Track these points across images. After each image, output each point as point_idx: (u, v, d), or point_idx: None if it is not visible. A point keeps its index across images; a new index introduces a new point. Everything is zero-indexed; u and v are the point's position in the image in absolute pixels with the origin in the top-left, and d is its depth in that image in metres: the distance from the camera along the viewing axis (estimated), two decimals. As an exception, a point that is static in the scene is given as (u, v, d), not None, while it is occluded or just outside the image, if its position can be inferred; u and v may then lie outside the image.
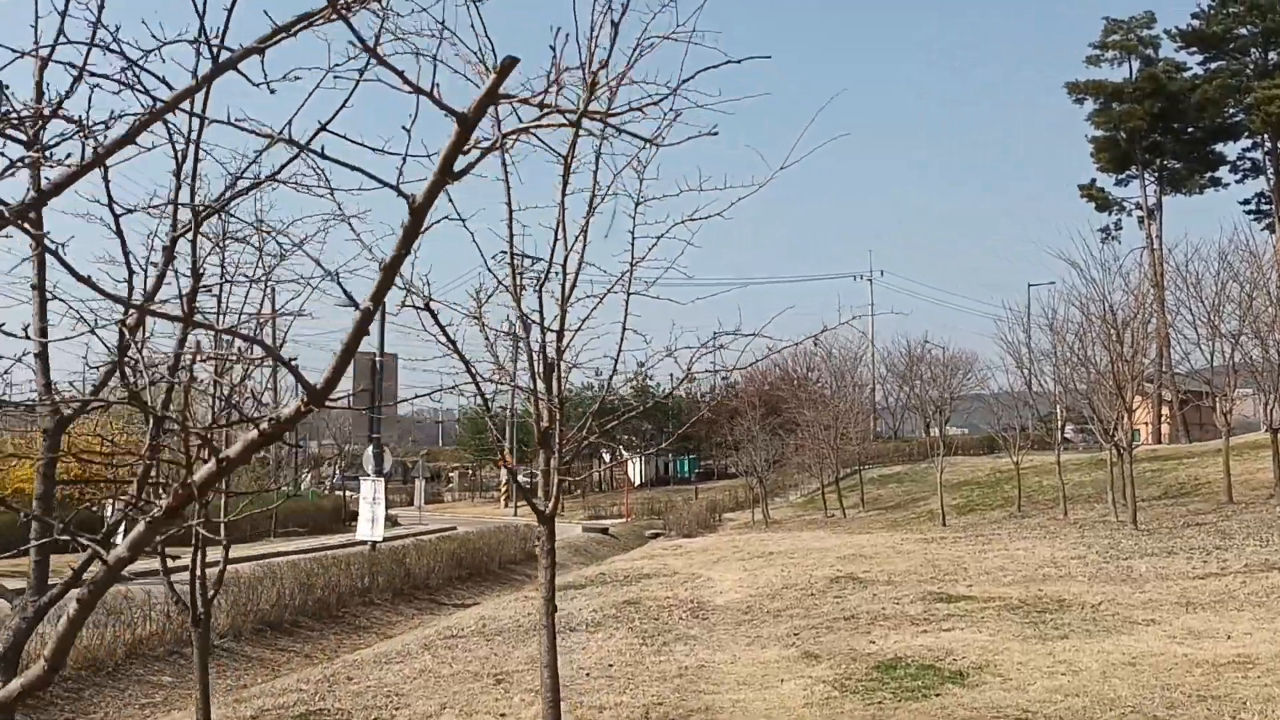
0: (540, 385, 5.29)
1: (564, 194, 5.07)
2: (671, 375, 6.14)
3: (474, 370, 4.99)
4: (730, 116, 4.80)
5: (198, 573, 6.47)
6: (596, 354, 5.46)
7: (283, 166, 3.38)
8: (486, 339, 5.75)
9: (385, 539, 26.49)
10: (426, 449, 75.31)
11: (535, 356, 5.28)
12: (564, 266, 5.16)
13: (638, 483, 64.04)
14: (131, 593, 14.75)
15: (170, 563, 6.71)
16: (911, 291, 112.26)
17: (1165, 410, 52.60)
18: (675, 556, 23.00)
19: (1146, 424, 49.70)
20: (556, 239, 5.14)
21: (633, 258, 5.28)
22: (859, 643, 10.70)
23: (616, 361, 5.35)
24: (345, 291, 2.36)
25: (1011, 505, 30.10)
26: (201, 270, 5.24)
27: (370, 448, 22.13)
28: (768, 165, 5.25)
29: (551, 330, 5.20)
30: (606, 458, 67.45)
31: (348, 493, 46.87)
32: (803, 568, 17.99)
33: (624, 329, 5.24)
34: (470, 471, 74.69)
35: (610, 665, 10.36)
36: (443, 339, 4.83)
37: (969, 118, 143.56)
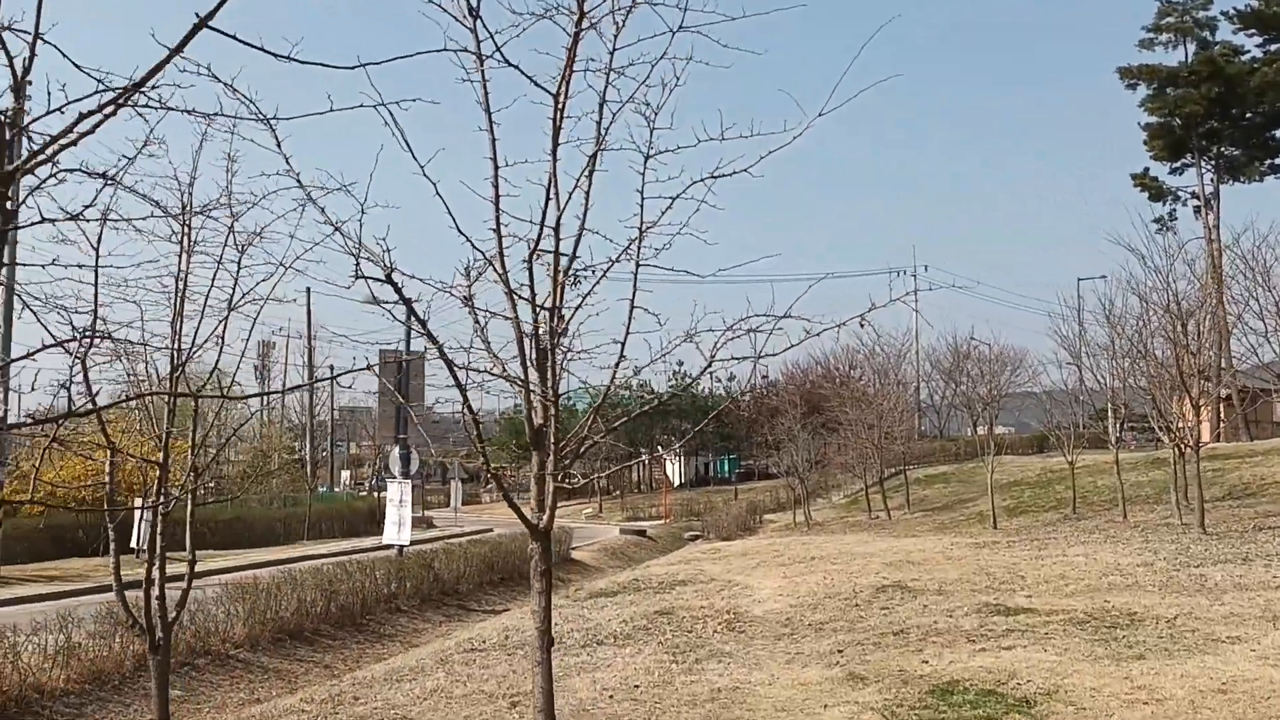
0: (534, 376, 4.42)
1: (555, 141, 4.21)
2: (668, 370, 5.24)
3: (449, 357, 4.14)
4: (758, 64, 3.88)
5: (154, 592, 5.65)
6: (602, 338, 4.58)
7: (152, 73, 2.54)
8: (477, 322, 4.89)
9: (418, 542, 25.86)
10: (465, 450, 74.92)
11: (526, 341, 4.41)
12: (556, 231, 4.29)
13: (677, 483, 63.18)
14: (142, 603, 14.14)
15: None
16: (958, 287, 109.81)
17: (1223, 407, 50.74)
18: (713, 561, 22.07)
19: (1206, 421, 47.89)
20: (548, 198, 4.27)
21: (641, 222, 4.39)
22: (910, 662, 9.72)
23: (624, 346, 4.47)
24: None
25: (1065, 507, 28.78)
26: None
27: (396, 449, 21.43)
28: (803, 112, 4.35)
29: (544, 309, 4.32)
30: (645, 458, 66.73)
31: (383, 494, 46.43)
32: (846, 574, 16.99)
33: (632, 306, 4.36)
34: (508, 472, 74.20)
35: (636, 686, 9.48)
36: (412, 321, 3.97)
37: (1015, 107, 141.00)
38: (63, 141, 2.56)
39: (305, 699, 10.20)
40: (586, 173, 4.49)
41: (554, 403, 4.39)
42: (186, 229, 5.77)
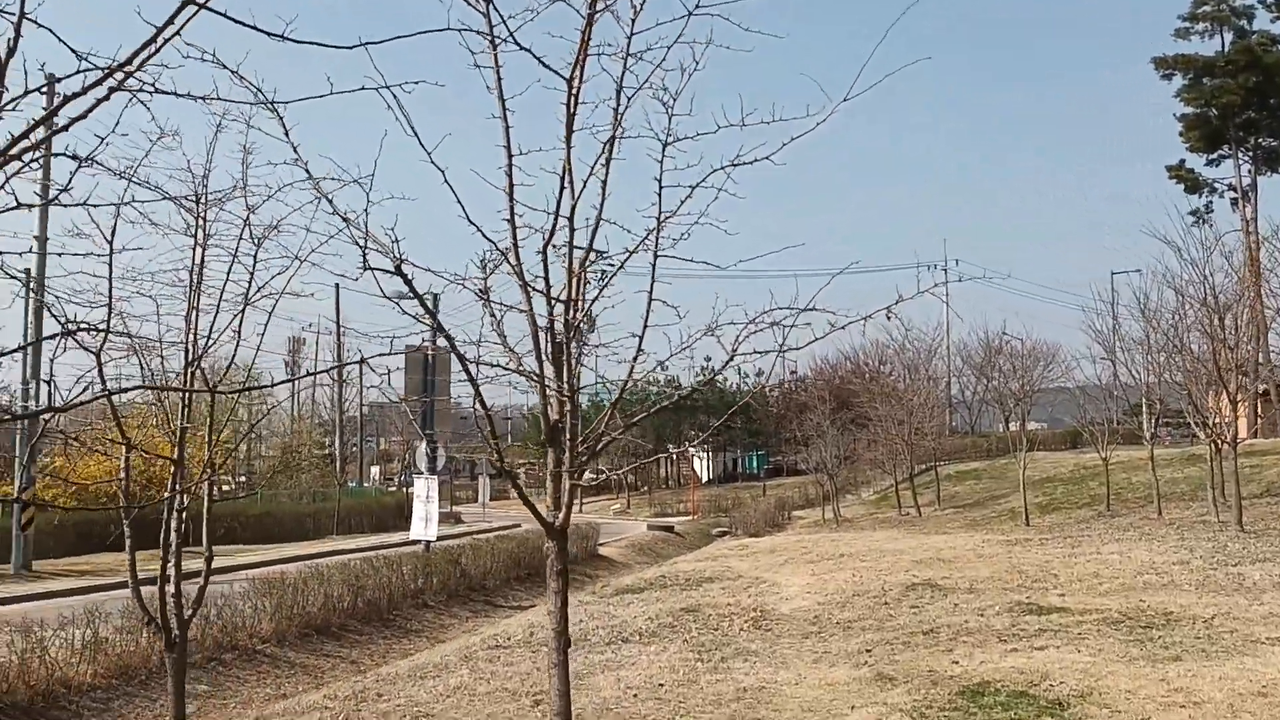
0: (550, 370, 4.30)
1: (570, 127, 4.08)
2: (693, 366, 5.08)
3: (460, 351, 4.03)
4: (781, 47, 3.74)
5: (170, 589, 5.59)
6: (620, 332, 4.45)
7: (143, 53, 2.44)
8: (493, 316, 4.78)
9: (445, 538, 25.86)
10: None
11: (541, 335, 4.29)
12: (571, 221, 4.16)
13: (705, 479, 63.00)
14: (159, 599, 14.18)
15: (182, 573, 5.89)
16: (988, 281, 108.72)
17: (1260, 402, 49.87)
18: (740, 557, 21.90)
19: (1243, 416, 47.08)
20: (563, 187, 4.15)
21: (659, 212, 4.26)
22: (940, 663, 9.54)
23: (642, 339, 4.33)
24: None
25: (1099, 503, 28.36)
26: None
27: (423, 445, 21.42)
28: (827, 97, 4.20)
29: (559, 301, 4.20)
30: (672, 453, 66.54)
31: (411, 490, 46.60)
32: (876, 572, 16.77)
33: (650, 298, 4.22)
34: (536, 468, 74.29)
35: (661, 685, 9.36)
36: (420, 311, 3.86)
37: (1047, 97, 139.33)
38: (55, 125, 2.46)
39: (329, 695, 10.17)
40: (603, 160, 4.36)
41: (570, 398, 4.28)
42: (201, 221, 5.70)
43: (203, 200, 5.66)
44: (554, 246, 4.26)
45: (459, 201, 4.10)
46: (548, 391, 4.32)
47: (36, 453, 21.89)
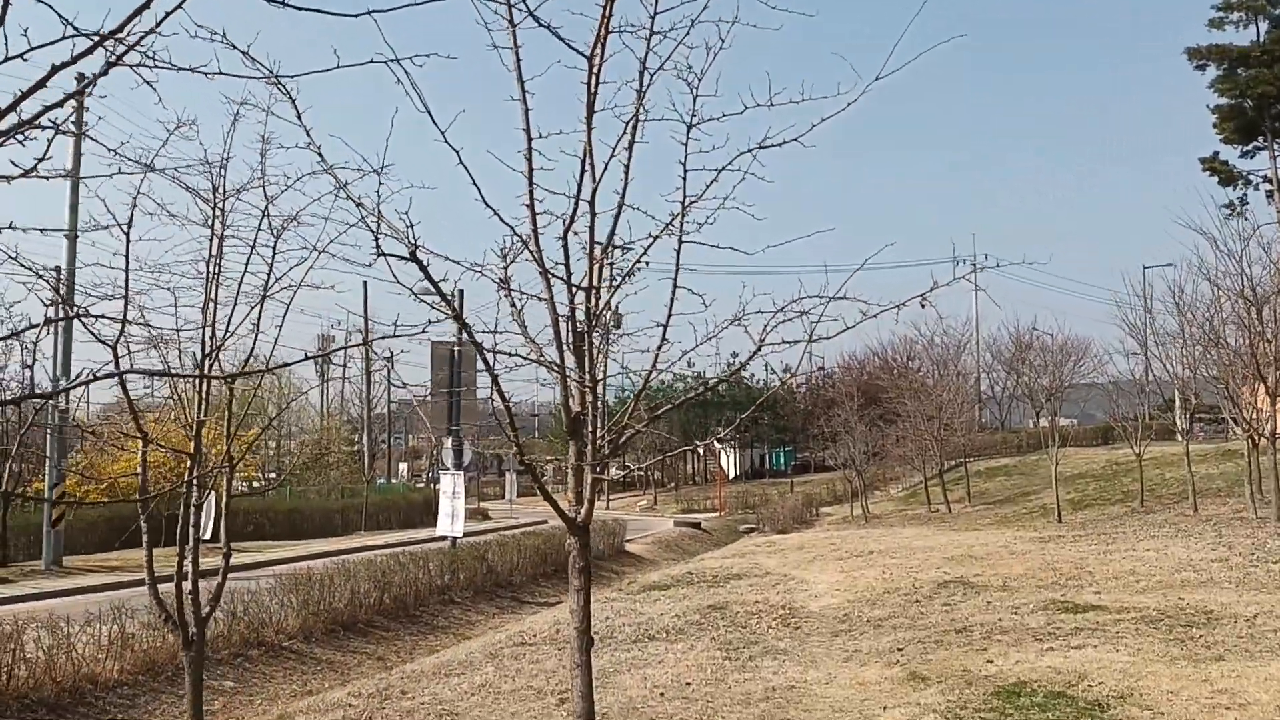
0: (571, 360, 4.15)
1: (590, 108, 3.93)
2: (722, 361, 4.94)
3: (478, 341, 3.88)
4: (808, 27, 3.59)
5: (186, 586, 5.49)
6: (644, 321, 4.29)
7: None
8: (513, 305, 4.63)
9: (473, 533, 25.81)
10: (524, 440, 75.09)
11: (562, 323, 4.14)
12: (592, 205, 4.01)
13: (732, 476, 62.73)
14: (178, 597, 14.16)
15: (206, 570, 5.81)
16: (1018, 276, 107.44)
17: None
18: (768, 554, 21.71)
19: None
20: (584, 170, 3.99)
21: (684, 196, 4.09)
22: (974, 662, 9.33)
23: (665, 329, 4.17)
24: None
25: (1132, 500, 27.92)
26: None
27: (449, 441, 21.36)
28: (857, 75, 4.03)
29: (580, 289, 4.05)
30: (699, 448, 66.34)
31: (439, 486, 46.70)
32: (906, 569, 16.54)
33: (674, 286, 4.07)
34: (563, 464, 74.34)
35: (687, 684, 9.21)
36: (439, 301, 3.72)
37: (1075, 87, 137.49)
38: (46, 99, 2.33)
39: (353, 693, 10.08)
40: (625, 143, 4.21)
41: (592, 389, 4.13)
42: (218, 212, 5.60)
43: (220, 190, 5.56)
44: (574, 233, 4.11)
45: (475, 184, 3.93)
46: (569, 382, 4.18)
47: (67, 450, 22.01)
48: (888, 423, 39.72)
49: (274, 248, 5.87)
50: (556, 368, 4.18)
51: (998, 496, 36.51)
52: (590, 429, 4.19)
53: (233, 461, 6.29)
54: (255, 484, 35.64)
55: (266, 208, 5.73)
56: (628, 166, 4.21)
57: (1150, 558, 15.91)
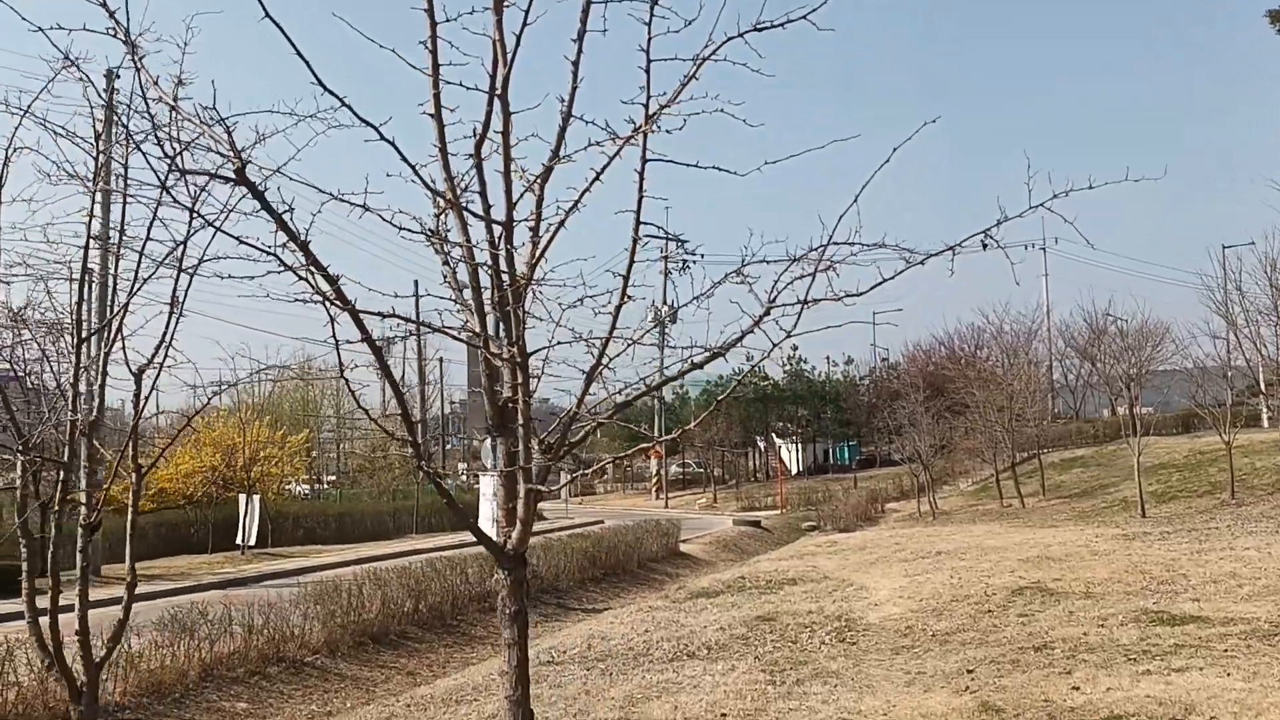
0: (491, 326, 3.00)
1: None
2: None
3: (335, 294, 2.75)
4: None
5: (74, 627, 4.45)
6: (595, 270, 3.13)
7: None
8: (446, 263, 3.51)
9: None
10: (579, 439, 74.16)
11: (484, 274, 3.00)
12: (505, 101, 2.86)
13: (795, 471, 61.15)
14: (208, 605, 13.31)
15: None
16: (1091, 259, 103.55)
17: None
18: (828, 555, 20.39)
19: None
20: (496, 63, 2.85)
21: (648, 97, 2.93)
22: (1057, 688, 8.00)
23: (627, 280, 3.01)
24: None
25: (1220, 491, 26.02)
26: None
27: (488, 441, 20.40)
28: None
29: (497, 223, 2.91)
30: (761, 445, 64.96)
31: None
32: (977, 573, 15.12)
33: (638, 221, 2.90)
34: (623, 462, 73.32)
35: (724, 715, 8.03)
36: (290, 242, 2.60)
37: (1147, 57, 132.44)
38: None
39: (354, 722, 9.09)
40: (573, 34, 3.07)
41: (523, 366, 2.99)
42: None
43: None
44: (491, 141, 2.97)
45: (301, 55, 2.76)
46: (492, 357, 3.05)
47: (100, 457, 21.42)
48: (955, 414, 38.08)
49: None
50: (474, 335, 3.05)
51: (1074, 489, 34.61)
52: (523, 422, 3.05)
53: (141, 472, 5.27)
54: (304, 489, 35.26)
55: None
56: (576, 63, 3.06)
57: (1252, 558, 14.33)
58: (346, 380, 3.18)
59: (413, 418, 3.12)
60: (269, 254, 2.73)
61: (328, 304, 2.85)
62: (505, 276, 2.95)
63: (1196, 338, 39.86)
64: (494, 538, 14.20)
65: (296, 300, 2.82)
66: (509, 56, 2.87)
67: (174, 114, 2.64)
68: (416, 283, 51.34)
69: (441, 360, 53.71)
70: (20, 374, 20.68)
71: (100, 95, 4.46)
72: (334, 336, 2.98)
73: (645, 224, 3.00)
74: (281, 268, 2.73)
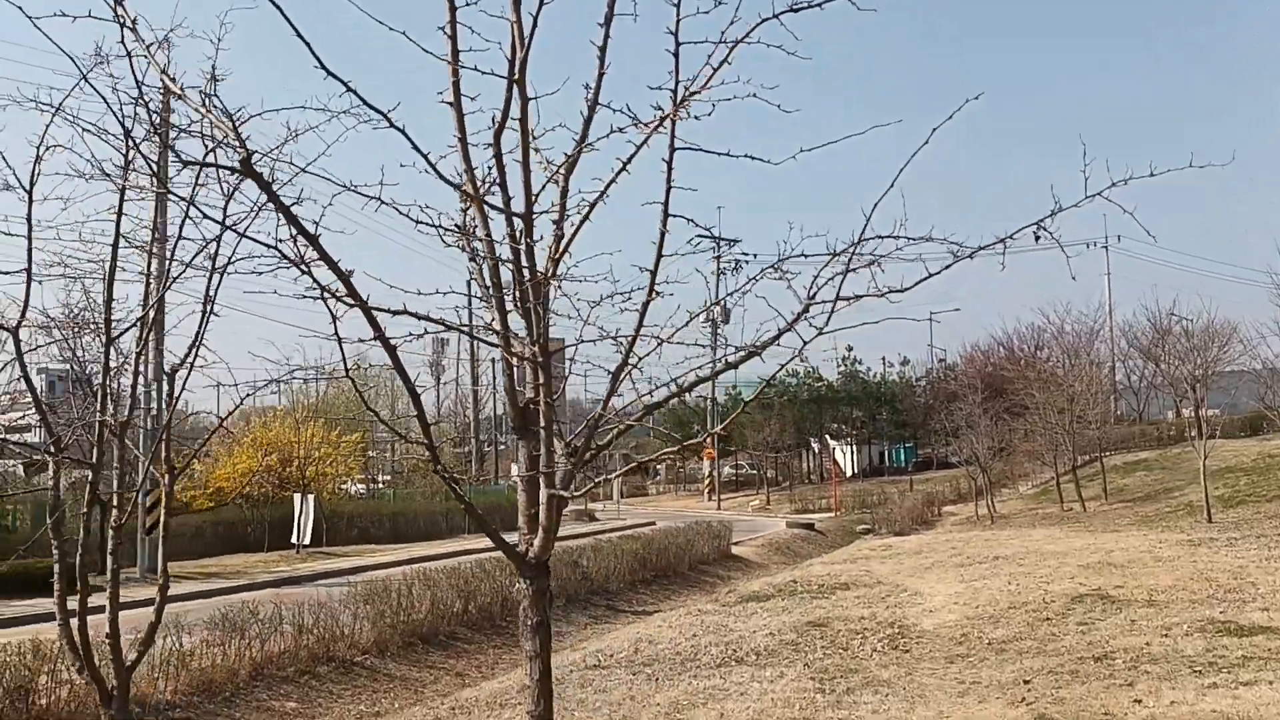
0: (512, 322, 2.89)
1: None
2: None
3: (345, 288, 2.65)
4: None
5: (106, 629, 4.42)
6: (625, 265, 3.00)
7: None
8: (473, 260, 3.40)
9: (570, 536, 24.78)
10: (635, 441, 74.15)
11: (505, 269, 2.88)
12: (522, 87, 2.74)
13: (850, 473, 60.47)
14: (259, 604, 13.39)
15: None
16: (1155, 259, 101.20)
17: None
18: (882, 560, 20.05)
19: None
20: (515, 47, 2.73)
21: (676, 81, 2.79)
22: (1118, 701, 7.70)
23: (655, 272, 2.88)
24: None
25: (1293, 496, 25.23)
26: None
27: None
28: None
29: (517, 216, 2.79)
30: (815, 446, 64.37)
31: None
32: (1035, 579, 14.73)
33: (665, 214, 2.77)
34: (675, 463, 73.06)
35: (770, 724, 7.85)
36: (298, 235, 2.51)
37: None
38: None
39: (396, 726, 9.05)
40: (601, 19, 2.94)
41: (544, 365, 2.87)
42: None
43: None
44: (511, 130, 2.85)
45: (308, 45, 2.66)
46: (512, 356, 2.94)
47: (159, 455, 21.76)
48: (1014, 416, 37.38)
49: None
50: (496, 334, 2.93)
51: (1137, 493, 33.77)
52: (544, 424, 2.93)
53: (175, 472, 5.24)
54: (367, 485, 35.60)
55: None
56: (603, 48, 2.94)
57: (1325, 566, 13.79)
58: (354, 380, 3.09)
59: (427, 420, 3.03)
60: (270, 247, 2.66)
61: (327, 301, 2.76)
62: (525, 271, 2.84)
63: (1265, 337, 38.77)
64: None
65: (304, 297, 2.74)
66: (526, 39, 2.76)
67: (168, 99, 2.56)
68: (469, 283, 51.89)
69: (494, 362, 54.01)
70: (81, 374, 21.05)
71: (129, 92, 4.43)
72: (336, 335, 2.90)
73: (675, 216, 2.88)
74: (288, 264, 2.65)
